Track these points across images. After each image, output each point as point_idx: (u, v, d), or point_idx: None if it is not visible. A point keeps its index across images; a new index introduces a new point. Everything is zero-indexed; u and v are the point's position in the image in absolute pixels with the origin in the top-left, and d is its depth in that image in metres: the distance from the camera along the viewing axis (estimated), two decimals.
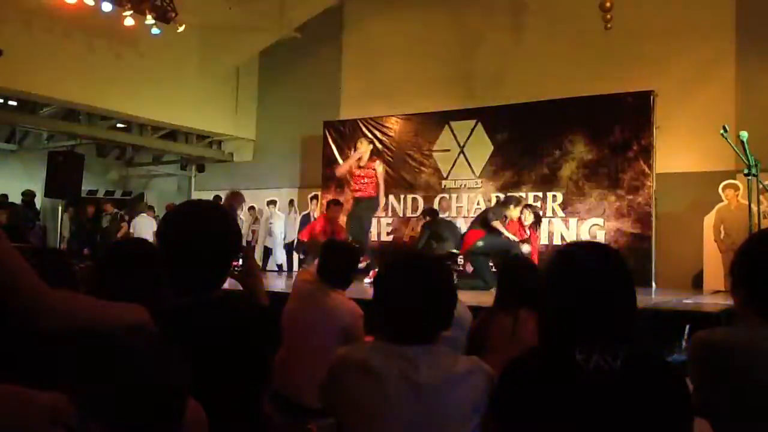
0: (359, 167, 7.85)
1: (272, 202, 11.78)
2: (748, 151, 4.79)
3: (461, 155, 9.89)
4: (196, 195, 13.05)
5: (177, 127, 12.28)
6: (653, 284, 8.14)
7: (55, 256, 2.33)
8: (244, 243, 2.15)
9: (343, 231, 7.89)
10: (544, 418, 1.50)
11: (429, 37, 10.49)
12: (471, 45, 10.11)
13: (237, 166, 12.81)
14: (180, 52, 10.71)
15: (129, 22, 9.29)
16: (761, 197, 6.19)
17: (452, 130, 9.97)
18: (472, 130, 9.79)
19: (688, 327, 4.20)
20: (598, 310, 1.54)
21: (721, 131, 4.93)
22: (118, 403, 1.04)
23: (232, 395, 1.58)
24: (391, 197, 10.42)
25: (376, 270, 7.24)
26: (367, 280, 6.89)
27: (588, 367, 1.48)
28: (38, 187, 11.66)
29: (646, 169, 8.47)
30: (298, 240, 10.13)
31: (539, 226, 8.19)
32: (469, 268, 7.85)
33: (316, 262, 3.52)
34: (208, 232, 1.68)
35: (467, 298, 3.91)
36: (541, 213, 8.58)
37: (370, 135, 10.53)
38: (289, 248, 11.33)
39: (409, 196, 10.30)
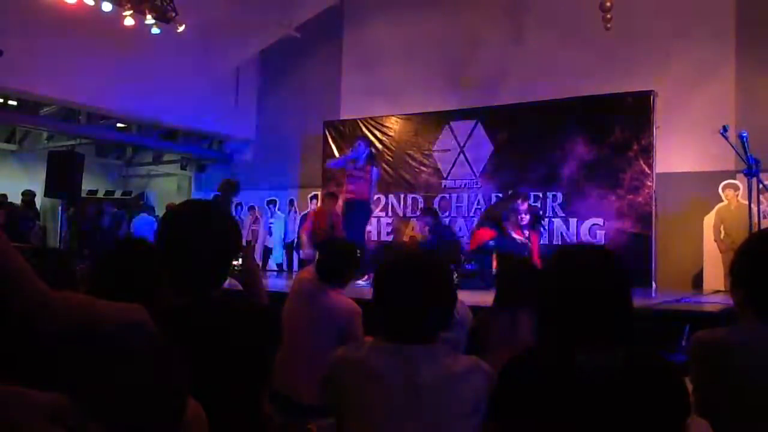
0: (355, 168, 7.67)
1: (272, 202, 11.78)
2: (748, 151, 4.80)
3: (461, 155, 9.89)
4: (196, 195, 13.06)
5: (177, 127, 12.28)
6: (653, 284, 8.14)
7: (55, 256, 2.32)
8: (244, 243, 2.15)
9: (341, 222, 7.67)
10: (543, 418, 1.50)
11: (429, 37, 10.49)
12: (471, 45, 10.10)
13: (237, 166, 12.82)
14: (180, 52, 10.70)
15: (129, 22, 9.28)
16: (761, 197, 6.19)
17: (452, 130, 9.97)
18: (472, 130, 9.80)
19: (688, 327, 4.20)
20: (597, 310, 1.54)
21: (721, 131, 4.94)
22: (118, 403, 1.04)
23: (232, 395, 1.58)
24: (391, 197, 10.42)
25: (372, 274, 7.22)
26: (360, 281, 6.80)
27: (587, 367, 1.48)
28: (38, 187, 11.65)
29: (646, 169, 8.47)
30: (299, 238, 10.12)
31: (539, 226, 8.18)
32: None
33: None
34: (208, 232, 1.68)
35: (467, 298, 3.91)
36: (540, 213, 8.58)
37: (370, 135, 10.54)
38: (289, 248, 11.33)
39: (409, 196, 10.30)
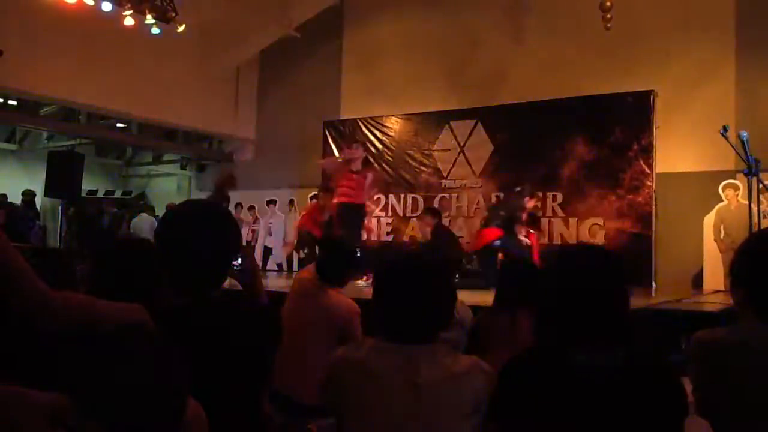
0: (350, 171, 7.50)
1: (272, 202, 11.78)
2: (748, 151, 4.79)
3: (461, 155, 9.89)
4: (196, 195, 13.06)
5: (177, 127, 12.28)
6: (653, 284, 8.14)
7: (55, 256, 2.32)
8: (244, 243, 2.14)
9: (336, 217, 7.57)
10: (543, 418, 1.50)
11: (429, 37, 10.49)
12: (471, 45, 10.11)
13: (237, 166, 12.81)
14: (180, 52, 10.70)
15: (129, 22, 9.29)
16: (761, 197, 6.18)
17: (452, 130, 9.97)
18: (472, 130, 9.80)
19: (688, 327, 4.20)
20: (596, 310, 1.54)
21: (721, 131, 4.93)
22: (117, 403, 1.04)
23: (232, 395, 1.58)
24: (391, 197, 10.42)
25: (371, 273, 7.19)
26: (360, 282, 6.77)
27: (586, 367, 1.48)
28: (38, 187, 11.65)
29: (646, 169, 8.48)
30: (298, 237, 10.11)
31: (539, 226, 8.17)
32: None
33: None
34: (207, 232, 1.68)
35: (467, 298, 3.90)
36: (540, 213, 8.57)
37: (370, 135, 10.54)
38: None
39: (409, 196, 10.30)
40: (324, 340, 3.05)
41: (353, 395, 1.70)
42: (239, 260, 2.00)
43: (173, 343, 1.15)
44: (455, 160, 9.94)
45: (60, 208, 10.97)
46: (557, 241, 8.95)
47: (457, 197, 9.88)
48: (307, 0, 11.06)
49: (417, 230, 9.96)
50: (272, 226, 11.64)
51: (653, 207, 8.45)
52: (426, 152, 10.19)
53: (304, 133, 11.63)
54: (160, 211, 11.85)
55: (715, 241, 8.11)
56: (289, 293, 3.52)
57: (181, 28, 9.68)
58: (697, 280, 8.26)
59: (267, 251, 11.60)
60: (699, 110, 8.40)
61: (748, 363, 1.56)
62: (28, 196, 11.98)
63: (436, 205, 9.64)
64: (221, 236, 1.72)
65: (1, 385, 1.02)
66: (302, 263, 9.54)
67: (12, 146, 13.51)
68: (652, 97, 8.48)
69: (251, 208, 11.91)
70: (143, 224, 11.00)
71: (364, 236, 8.23)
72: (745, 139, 4.74)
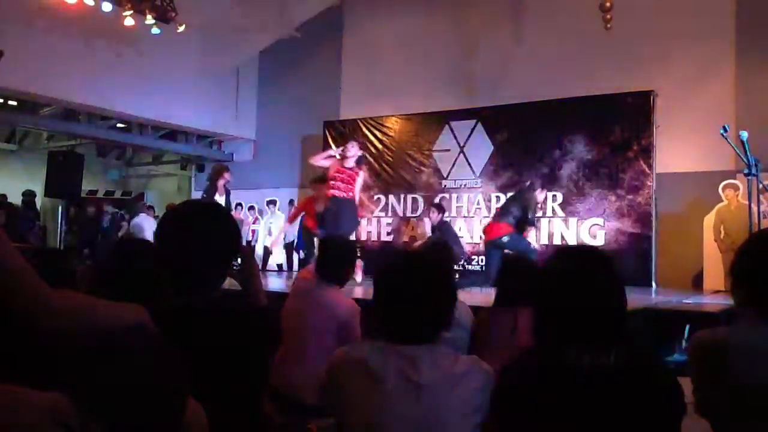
0: (343, 167, 7.43)
1: (272, 202, 11.78)
2: (748, 151, 4.80)
3: (461, 155, 9.88)
4: (196, 195, 13.06)
5: (177, 127, 12.28)
6: (653, 284, 8.14)
7: (55, 256, 2.32)
8: (244, 243, 2.14)
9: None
10: (542, 418, 1.51)
11: (429, 37, 10.49)
12: (471, 45, 10.10)
13: (237, 166, 12.81)
14: (180, 52, 10.70)
15: (129, 22, 9.29)
16: (761, 197, 6.18)
17: (452, 130, 9.96)
18: (472, 130, 9.79)
19: (688, 327, 4.20)
20: (590, 311, 1.55)
21: (721, 131, 4.93)
22: (118, 403, 1.04)
23: (231, 395, 1.58)
24: (391, 197, 10.42)
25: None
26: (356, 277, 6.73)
27: (585, 367, 1.49)
28: (38, 187, 11.66)
29: (646, 169, 8.47)
30: (299, 237, 10.12)
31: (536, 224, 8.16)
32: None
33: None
34: (207, 232, 1.68)
35: (467, 298, 3.91)
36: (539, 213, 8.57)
37: (370, 135, 10.54)
38: (288, 248, 11.33)
39: (409, 196, 10.31)
40: (324, 339, 3.06)
41: (353, 395, 1.70)
42: (239, 260, 2.00)
43: (173, 343, 1.15)
44: (455, 160, 9.93)
45: (60, 208, 10.99)
46: (557, 241, 8.95)
47: (457, 197, 9.88)
48: (307, 0, 11.05)
49: (417, 230, 9.98)
50: (272, 226, 11.64)
51: (653, 207, 8.45)
52: (426, 152, 10.19)
53: (304, 133, 11.63)
54: (160, 211, 11.85)
55: (715, 241, 8.10)
56: (289, 293, 3.53)
57: (181, 28, 9.69)
58: (697, 280, 8.25)
59: (267, 251, 11.60)
60: (699, 110, 8.39)
61: (748, 363, 1.56)
62: (28, 196, 11.99)
63: None
64: (221, 236, 1.72)
65: (1, 385, 1.02)
66: (302, 263, 9.55)
67: (12, 146, 13.52)
68: (652, 97, 8.48)
69: (251, 208, 11.92)
70: (143, 224, 10.99)
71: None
72: (745, 139, 4.75)
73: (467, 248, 9.18)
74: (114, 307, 1.50)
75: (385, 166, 10.48)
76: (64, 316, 1.36)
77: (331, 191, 7.35)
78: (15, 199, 12.01)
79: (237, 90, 12.43)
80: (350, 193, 7.35)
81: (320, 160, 7.74)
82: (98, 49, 9.75)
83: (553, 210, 9.07)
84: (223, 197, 7.95)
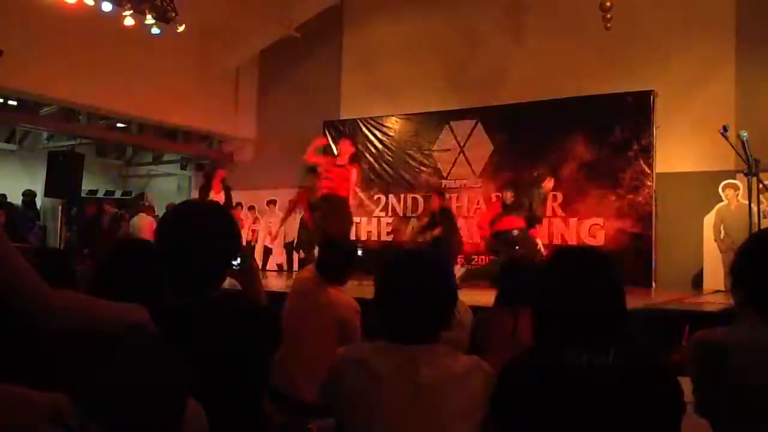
0: (335, 165, 7.43)
1: (272, 202, 11.77)
2: (748, 151, 4.80)
3: (461, 155, 9.89)
4: (196, 195, 13.05)
5: (177, 127, 12.28)
6: (653, 284, 8.14)
7: (55, 256, 2.33)
8: (244, 243, 2.14)
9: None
10: (542, 418, 1.51)
11: (429, 37, 10.49)
12: (471, 45, 10.11)
13: (237, 166, 12.81)
14: (180, 52, 10.70)
15: (129, 22, 9.29)
16: (761, 197, 6.18)
17: (452, 130, 9.97)
18: (472, 130, 9.80)
19: (688, 327, 4.19)
20: (590, 311, 1.55)
21: (721, 131, 4.93)
22: (118, 403, 1.04)
23: (232, 395, 1.58)
24: (391, 197, 10.42)
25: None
26: None
27: (584, 367, 1.49)
28: (38, 187, 11.65)
29: (646, 169, 8.48)
30: (298, 236, 10.12)
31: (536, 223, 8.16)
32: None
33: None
34: (207, 232, 1.68)
35: (467, 297, 3.90)
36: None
37: (370, 135, 10.54)
38: (289, 248, 11.32)
39: (409, 196, 10.31)
40: (324, 338, 3.06)
41: (354, 395, 1.70)
42: (239, 260, 2.00)
43: (173, 343, 1.15)
44: (455, 160, 9.94)
45: (60, 208, 10.98)
46: (557, 241, 8.94)
47: (457, 197, 9.88)
48: (307, 0, 11.06)
49: (416, 230, 9.97)
50: (272, 226, 11.63)
51: (653, 207, 8.45)
52: (426, 152, 10.20)
53: (304, 133, 11.60)
54: (160, 211, 11.84)
55: (715, 241, 8.10)
56: (289, 293, 3.52)
57: (181, 28, 9.68)
58: (697, 280, 8.26)
59: (267, 251, 11.60)
60: (699, 110, 8.39)
61: (748, 363, 1.56)
62: (29, 196, 11.99)
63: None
64: (221, 236, 1.72)
65: (1, 385, 1.02)
66: (302, 263, 9.55)
67: (12, 146, 13.52)
68: (652, 97, 8.48)
69: (251, 208, 11.90)
70: (143, 224, 10.98)
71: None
72: (745, 139, 4.75)
73: (467, 248, 9.18)
74: (114, 307, 1.50)
75: (385, 166, 10.48)
76: (64, 316, 1.36)
77: (324, 190, 7.38)
78: (15, 199, 12.00)
79: (237, 90, 12.43)
80: (342, 191, 7.37)
81: (312, 156, 7.79)
82: (98, 49, 9.74)
83: (553, 210, 9.07)
84: (221, 195, 7.95)
